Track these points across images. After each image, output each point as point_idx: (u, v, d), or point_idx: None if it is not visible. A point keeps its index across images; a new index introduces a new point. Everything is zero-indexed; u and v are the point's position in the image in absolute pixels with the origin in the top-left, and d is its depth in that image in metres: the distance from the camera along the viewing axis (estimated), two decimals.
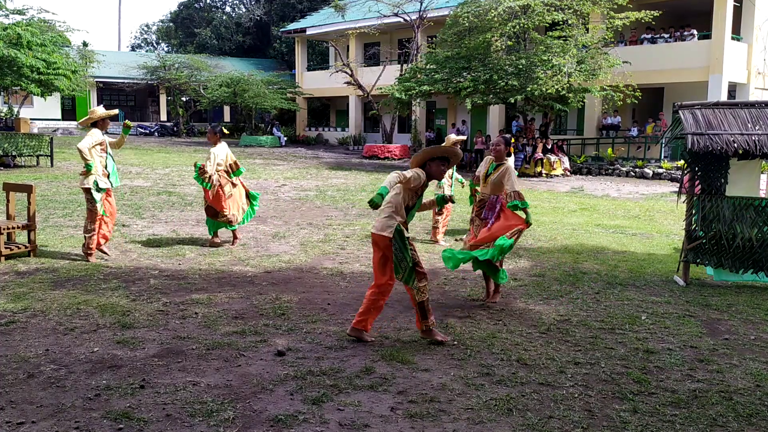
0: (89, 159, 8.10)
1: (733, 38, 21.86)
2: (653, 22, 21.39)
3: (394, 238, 5.24)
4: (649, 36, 23.66)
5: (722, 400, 4.44)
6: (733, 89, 22.79)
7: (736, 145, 7.41)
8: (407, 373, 4.75)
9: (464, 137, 11.65)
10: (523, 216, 6.49)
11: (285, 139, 33.90)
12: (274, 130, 34.47)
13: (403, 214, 5.33)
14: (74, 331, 5.47)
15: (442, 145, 5.81)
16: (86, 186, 8.14)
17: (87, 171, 8.10)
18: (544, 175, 21.49)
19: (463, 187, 11.52)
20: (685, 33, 22.87)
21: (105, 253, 8.41)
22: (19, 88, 20.30)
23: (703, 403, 4.36)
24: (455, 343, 5.45)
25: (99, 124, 8.47)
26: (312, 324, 5.88)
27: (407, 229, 5.35)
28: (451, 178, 10.50)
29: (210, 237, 9.45)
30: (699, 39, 22.59)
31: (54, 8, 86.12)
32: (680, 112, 7.92)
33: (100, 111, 8.54)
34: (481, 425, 3.96)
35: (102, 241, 8.36)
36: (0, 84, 19.19)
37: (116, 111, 9.14)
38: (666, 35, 23.38)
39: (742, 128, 7.53)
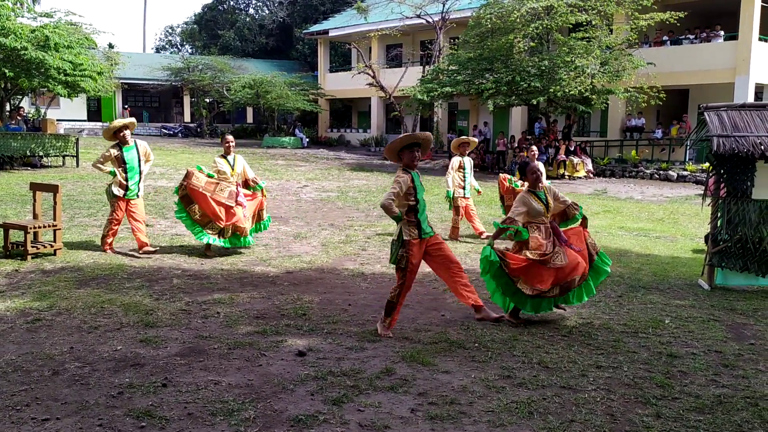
0: (103, 170, 8.80)
1: (760, 39, 21.49)
2: (677, 24, 21.13)
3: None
4: (674, 37, 23.37)
5: (748, 405, 4.37)
6: (760, 91, 22.40)
7: (762, 147, 7.29)
8: (428, 374, 4.74)
9: (476, 139, 11.60)
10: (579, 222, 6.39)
11: (307, 140, 34.03)
12: (297, 131, 34.62)
13: (411, 217, 5.65)
14: (98, 330, 5.54)
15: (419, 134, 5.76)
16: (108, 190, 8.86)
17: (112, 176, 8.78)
18: (566, 177, 21.33)
19: (479, 195, 11.48)
20: (711, 34, 22.55)
21: (113, 251, 8.80)
22: (46, 89, 20.56)
23: (728, 409, 4.30)
24: (476, 345, 5.43)
25: (117, 135, 8.74)
26: (333, 324, 5.90)
27: (423, 228, 5.70)
28: (464, 180, 10.49)
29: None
30: (725, 40, 22.28)
31: (81, 11, 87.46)
32: (706, 113, 7.82)
33: (114, 123, 8.93)
34: (502, 428, 3.93)
35: (109, 240, 8.80)
36: (28, 85, 19.46)
37: (130, 120, 9.15)
38: (691, 36, 23.10)
39: None
